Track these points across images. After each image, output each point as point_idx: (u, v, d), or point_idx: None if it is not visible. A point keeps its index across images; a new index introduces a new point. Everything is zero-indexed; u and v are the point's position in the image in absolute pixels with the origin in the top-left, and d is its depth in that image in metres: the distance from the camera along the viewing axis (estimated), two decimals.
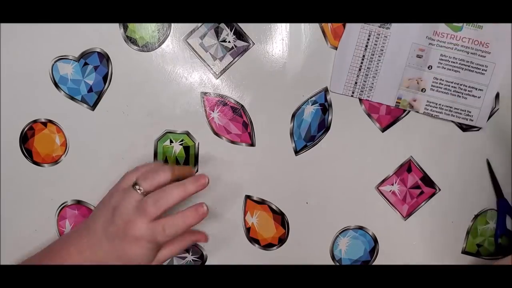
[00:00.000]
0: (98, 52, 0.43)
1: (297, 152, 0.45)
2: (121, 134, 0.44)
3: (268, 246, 0.47)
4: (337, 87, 0.44)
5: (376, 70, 0.43)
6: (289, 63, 0.43)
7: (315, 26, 0.42)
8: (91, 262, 0.36)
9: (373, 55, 0.43)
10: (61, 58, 0.43)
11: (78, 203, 0.45)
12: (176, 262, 0.47)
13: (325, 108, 0.44)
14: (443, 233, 0.47)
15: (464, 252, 0.47)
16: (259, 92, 0.43)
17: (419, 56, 0.43)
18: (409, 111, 0.44)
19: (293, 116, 0.44)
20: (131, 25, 0.42)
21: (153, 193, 0.37)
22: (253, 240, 0.47)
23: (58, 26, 0.42)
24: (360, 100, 0.44)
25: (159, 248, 0.38)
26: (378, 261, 0.47)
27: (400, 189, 0.46)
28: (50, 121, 0.44)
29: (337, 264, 0.47)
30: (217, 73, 0.43)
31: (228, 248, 0.46)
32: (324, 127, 0.45)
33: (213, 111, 0.44)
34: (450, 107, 0.44)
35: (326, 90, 0.44)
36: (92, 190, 0.45)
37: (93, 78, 0.43)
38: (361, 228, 0.47)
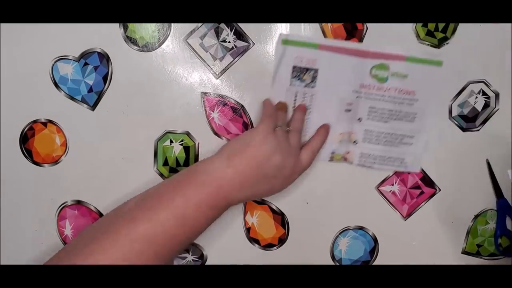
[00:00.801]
0: (98, 52, 0.43)
1: None
2: (121, 134, 0.44)
3: (268, 246, 0.47)
4: None
5: (307, 128, 0.43)
6: None
7: (315, 26, 0.42)
8: (249, 196, 0.39)
9: None
10: (61, 58, 0.43)
11: (78, 203, 0.45)
12: (176, 262, 0.47)
13: None
14: (443, 233, 0.47)
15: (464, 252, 0.47)
16: (259, 92, 0.43)
17: (347, 110, 0.43)
18: None
19: None
20: (131, 25, 0.42)
21: (295, 128, 0.42)
22: (253, 240, 0.47)
23: (58, 26, 0.42)
24: None
25: None
26: (378, 261, 0.47)
27: (400, 189, 0.46)
28: (50, 121, 0.44)
29: (337, 264, 0.47)
30: (217, 73, 0.43)
31: (228, 248, 0.46)
32: None
33: (213, 111, 0.44)
34: (384, 156, 0.44)
35: None
36: (92, 190, 0.45)
37: (93, 78, 0.43)
38: (361, 228, 0.47)
